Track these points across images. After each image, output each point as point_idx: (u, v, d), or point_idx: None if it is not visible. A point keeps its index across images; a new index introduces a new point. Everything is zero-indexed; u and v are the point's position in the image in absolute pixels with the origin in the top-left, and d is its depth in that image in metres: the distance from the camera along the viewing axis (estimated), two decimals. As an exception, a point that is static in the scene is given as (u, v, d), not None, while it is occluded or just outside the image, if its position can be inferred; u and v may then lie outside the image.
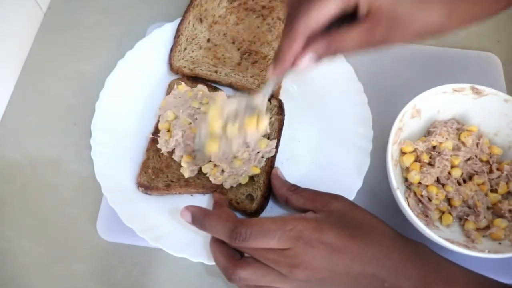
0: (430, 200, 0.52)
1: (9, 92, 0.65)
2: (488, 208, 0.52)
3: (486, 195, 0.53)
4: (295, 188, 0.50)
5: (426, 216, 0.52)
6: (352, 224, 0.43)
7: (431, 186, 0.52)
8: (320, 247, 0.41)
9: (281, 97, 0.60)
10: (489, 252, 0.46)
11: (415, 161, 0.54)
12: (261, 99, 0.48)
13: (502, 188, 0.53)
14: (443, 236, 0.47)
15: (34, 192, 0.58)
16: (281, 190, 0.51)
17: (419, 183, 0.53)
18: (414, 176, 0.52)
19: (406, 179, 0.54)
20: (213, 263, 0.49)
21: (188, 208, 0.48)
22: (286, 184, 0.52)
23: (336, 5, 0.39)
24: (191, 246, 0.50)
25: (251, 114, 0.48)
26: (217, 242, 0.46)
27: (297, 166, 0.57)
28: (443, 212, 0.53)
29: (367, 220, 0.45)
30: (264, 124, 0.49)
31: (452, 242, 0.46)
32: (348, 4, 0.39)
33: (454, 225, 0.52)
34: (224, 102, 0.49)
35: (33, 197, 0.58)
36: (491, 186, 0.54)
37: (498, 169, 0.54)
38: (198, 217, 0.47)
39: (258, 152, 0.55)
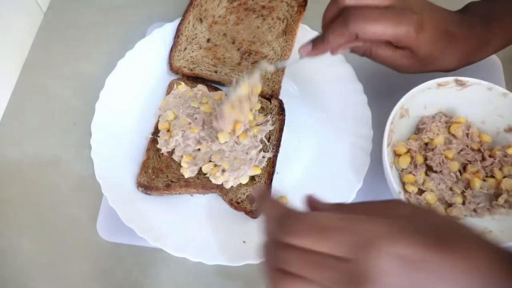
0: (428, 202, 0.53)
1: (9, 92, 0.65)
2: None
3: (483, 180, 0.54)
4: (342, 207, 0.38)
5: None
6: (434, 230, 0.32)
7: (428, 186, 0.53)
8: (394, 260, 0.30)
9: (281, 97, 0.60)
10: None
11: (410, 162, 0.54)
12: (272, 66, 0.52)
13: (499, 175, 0.53)
14: None
15: (34, 192, 0.58)
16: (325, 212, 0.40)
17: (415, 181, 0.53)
18: (411, 187, 0.53)
19: (403, 182, 0.54)
20: (213, 263, 0.49)
21: (259, 186, 0.47)
22: (329, 207, 0.39)
23: (393, 32, 0.46)
24: (191, 246, 0.50)
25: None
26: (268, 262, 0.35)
27: (298, 166, 0.57)
28: (450, 205, 0.53)
29: (453, 225, 0.34)
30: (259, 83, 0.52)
31: None
32: (400, 36, 0.47)
33: (464, 219, 0.53)
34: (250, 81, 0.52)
35: (33, 197, 0.58)
36: (486, 173, 0.54)
37: (490, 156, 0.55)
38: (259, 198, 0.40)
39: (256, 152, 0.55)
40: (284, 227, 0.33)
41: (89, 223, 0.56)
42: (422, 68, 0.51)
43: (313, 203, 0.40)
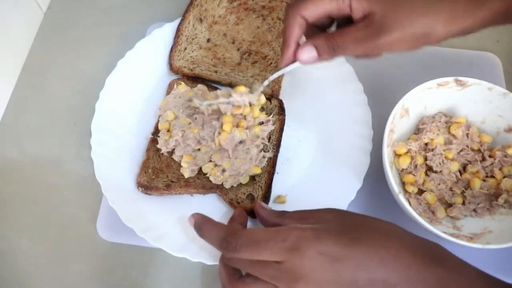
0: (428, 202, 0.53)
1: (9, 92, 0.65)
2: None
3: (483, 181, 0.54)
4: (283, 214, 0.46)
5: (431, 212, 0.52)
6: (352, 229, 0.40)
7: (428, 186, 0.53)
8: (320, 258, 0.37)
9: (281, 97, 0.60)
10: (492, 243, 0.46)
11: (410, 163, 0.54)
12: (260, 85, 0.52)
13: (499, 175, 0.53)
14: (448, 232, 0.47)
15: (34, 192, 0.58)
16: (270, 219, 0.47)
17: (415, 181, 0.53)
18: (411, 187, 0.53)
19: (403, 182, 0.54)
20: (213, 263, 0.49)
21: (193, 214, 0.48)
22: (273, 213, 0.47)
23: (331, 3, 0.43)
24: (191, 246, 0.50)
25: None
26: (222, 258, 0.45)
27: (297, 166, 0.57)
28: (450, 205, 0.53)
29: (368, 222, 0.41)
30: (258, 96, 0.53)
31: (457, 236, 0.47)
32: (343, 4, 0.42)
33: (464, 219, 0.53)
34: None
35: (33, 197, 0.58)
36: (486, 174, 0.54)
37: (490, 156, 0.55)
38: (198, 224, 0.47)
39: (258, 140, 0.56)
40: (228, 245, 0.41)
41: (89, 223, 0.56)
42: (388, 42, 0.41)
43: (260, 209, 0.48)
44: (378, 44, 0.42)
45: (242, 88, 0.53)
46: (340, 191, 0.54)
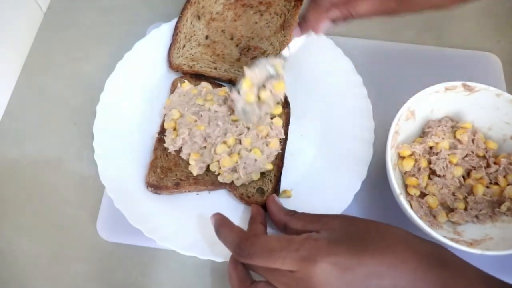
0: (430, 206, 0.52)
1: (9, 92, 0.65)
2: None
3: (487, 187, 0.53)
4: (293, 213, 0.47)
5: (433, 216, 0.51)
6: (360, 236, 0.40)
7: (431, 190, 0.52)
8: (332, 267, 0.38)
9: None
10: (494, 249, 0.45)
11: (414, 165, 0.53)
12: (281, 60, 0.53)
13: (503, 182, 0.52)
14: (448, 236, 0.47)
15: (34, 192, 0.58)
16: (279, 215, 0.48)
17: (418, 184, 0.53)
18: (413, 189, 0.53)
19: (406, 185, 0.54)
20: (222, 259, 0.49)
21: (214, 214, 0.48)
22: (283, 210, 0.49)
23: None
24: (199, 244, 0.50)
25: (278, 79, 0.53)
26: (233, 262, 0.45)
27: (302, 161, 0.57)
28: (451, 209, 0.52)
29: (374, 228, 0.42)
30: (284, 84, 0.53)
31: (457, 241, 0.46)
32: None
33: (466, 225, 0.52)
34: (252, 75, 0.53)
35: (33, 197, 0.58)
36: (490, 180, 0.53)
37: (495, 163, 0.54)
38: (216, 225, 0.47)
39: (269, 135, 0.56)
40: (242, 252, 0.42)
41: (89, 223, 0.56)
42: (405, 7, 0.45)
43: (272, 203, 0.50)
44: (398, 10, 0.45)
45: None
46: (345, 183, 0.54)
